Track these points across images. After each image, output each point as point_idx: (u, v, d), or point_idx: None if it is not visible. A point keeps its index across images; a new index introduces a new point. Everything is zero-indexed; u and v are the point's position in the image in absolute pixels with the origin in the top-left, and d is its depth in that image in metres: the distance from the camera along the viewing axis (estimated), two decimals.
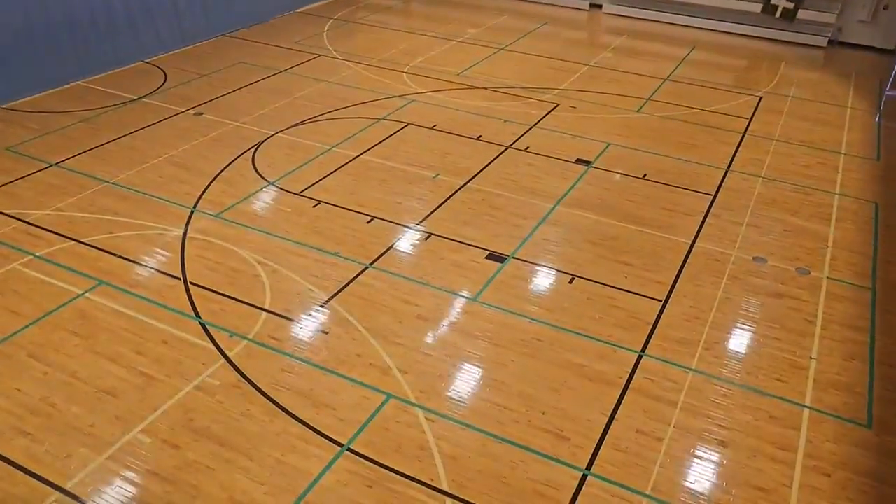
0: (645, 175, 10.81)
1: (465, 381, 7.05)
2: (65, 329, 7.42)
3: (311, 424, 6.43)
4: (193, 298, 7.93)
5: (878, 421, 6.74)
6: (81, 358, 7.08)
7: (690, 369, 7.24)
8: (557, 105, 13.09)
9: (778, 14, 17.46)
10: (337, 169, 10.60)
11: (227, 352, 7.20)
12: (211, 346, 7.28)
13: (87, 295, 7.90)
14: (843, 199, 10.46)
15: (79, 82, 13.12)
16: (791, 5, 17.26)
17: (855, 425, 6.68)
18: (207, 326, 7.52)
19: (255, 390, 6.77)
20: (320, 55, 15.15)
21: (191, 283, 8.16)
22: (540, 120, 12.45)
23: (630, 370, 7.19)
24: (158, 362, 7.05)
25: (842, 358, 7.47)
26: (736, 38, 17.90)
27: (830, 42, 17.45)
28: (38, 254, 8.52)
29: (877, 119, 13.42)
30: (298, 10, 18.18)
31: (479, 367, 7.22)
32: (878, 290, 8.52)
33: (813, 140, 12.27)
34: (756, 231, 9.57)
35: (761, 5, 17.61)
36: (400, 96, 13.17)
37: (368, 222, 9.38)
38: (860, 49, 17.38)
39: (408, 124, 12.05)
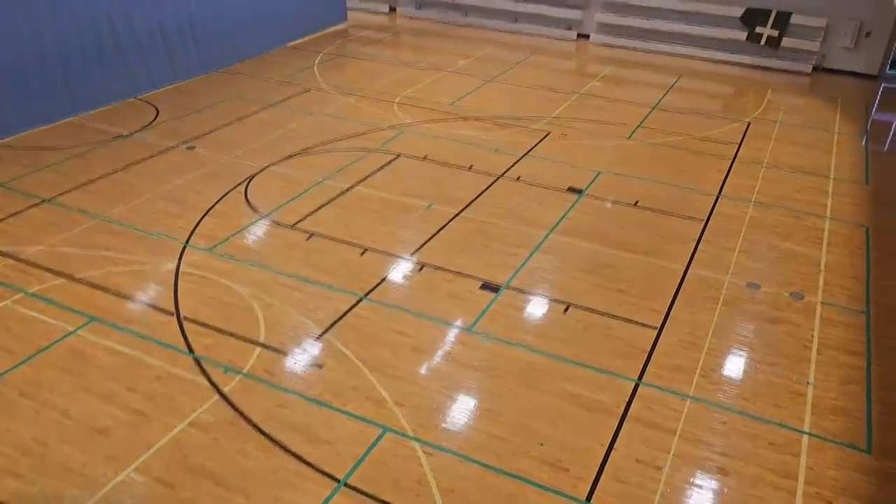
0: (637, 202, 10.86)
1: (462, 412, 6.99)
2: (57, 367, 7.34)
3: (308, 460, 6.35)
4: (187, 334, 7.87)
5: (878, 446, 6.70)
6: (74, 396, 7.00)
7: (688, 397, 7.21)
8: (548, 134, 13.18)
9: (763, 42, 17.72)
10: (330, 201, 10.61)
11: (221, 387, 7.13)
12: (205, 381, 7.21)
13: (79, 332, 7.83)
14: (834, 224, 10.53)
15: (71, 118, 13.15)
16: (776, 33, 17.53)
17: (854, 451, 6.65)
18: (201, 362, 7.46)
19: (250, 426, 6.70)
20: (311, 88, 15.25)
21: (184, 318, 8.10)
22: (531, 149, 12.52)
23: (627, 399, 7.15)
24: (152, 399, 6.98)
25: (839, 383, 7.46)
26: (722, 65, 18.14)
27: (815, 68, 17.70)
28: (30, 291, 8.46)
29: (863, 143, 13.57)
30: (289, 45, 18.33)
31: (475, 398, 7.17)
32: (873, 314, 8.54)
33: (802, 165, 12.38)
34: (749, 256, 9.61)
35: (746, 33, 17.87)
36: (391, 127, 13.25)
37: (362, 254, 9.36)
38: (844, 75, 17.63)
39: (399, 155, 12.10)
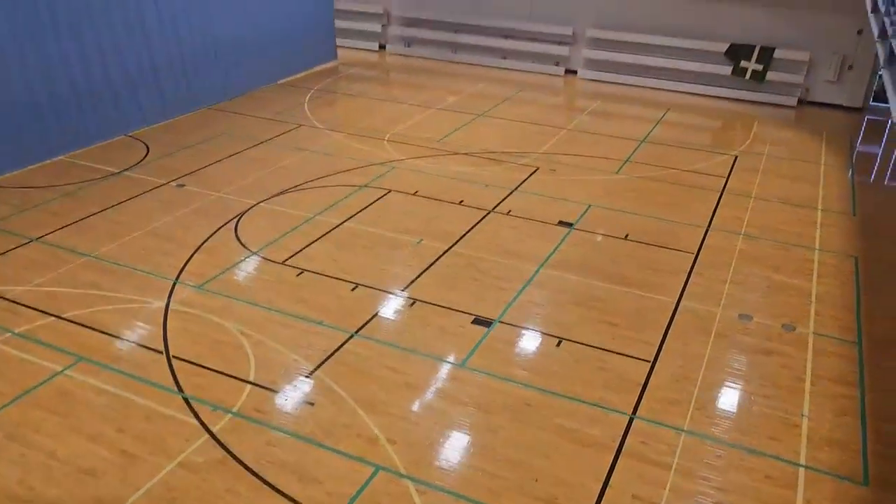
0: (627, 235, 10.90)
1: (455, 449, 6.91)
2: (44, 408, 7.23)
3: (299, 500, 6.24)
4: (176, 372, 7.78)
5: (875, 478, 6.65)
6: (61, 437, 6.88)
7: (683, 430, 7.15)
8: (537, 168, 13.27)
9: (748, 76, 17.99)
10: (320, 237, 10.60)
11: (210, 427, 7.03)
12: (194, 421, 7.11)
13: (66, 372, 7.73)
14: (824, 255, 10.58)
15: (62, 157, 13.15)
16: (760, 67, 17.81)
17: (851, 483, 6.59)
18: (190, 401, 7.36)
19: (240, 466, 6.59)
20: (302, 125, 15.34)
21: (173, 356, 8.02)
22: (521, 183, 12.59)
23: (622, 433, 7.09)
24: (140, 440, 6.87)
25: (833, 414, 7.42)
26: (709, 99, 18.39)
27: (800, 101, 17.96)
28: (16, 331, 8.37)
29: (850, 175, 13.72)
30: (279, 82, 18.48)
31: (468, 434, 7.09)
32: (865, 345, 8.54)
33: (790, 197, 12.49)
34: (740, 288, 9.62)
35: (731, 68, 18.15)
36: (381, 164, 13.31)
37: (353, 290, 9.33)
38: (829, 107, 17.89)
39: (390, 191, 12.14)
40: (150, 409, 7.23)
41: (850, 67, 17.44)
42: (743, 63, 17.96)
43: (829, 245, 10.86)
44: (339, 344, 8.27)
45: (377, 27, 22.23)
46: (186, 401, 7.36)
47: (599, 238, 10.87)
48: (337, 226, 10.95)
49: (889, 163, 14.90)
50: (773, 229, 11.27)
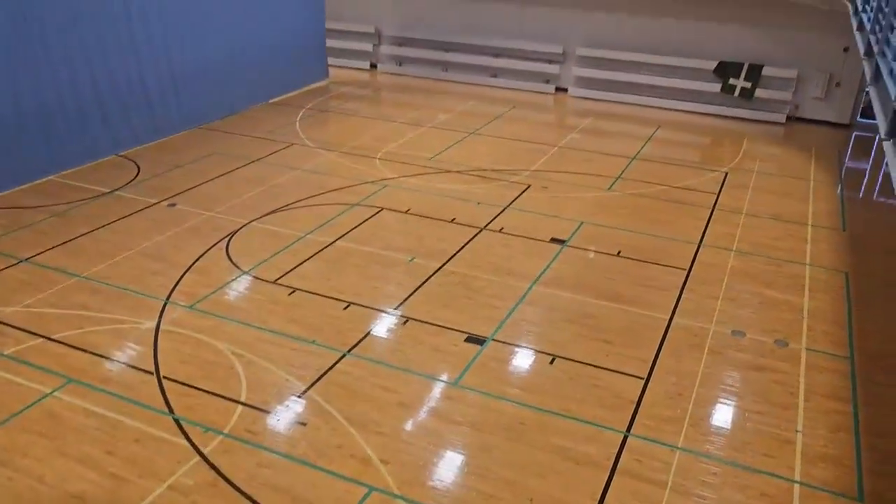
0: (619, 252, 10.92)
1: (449, 469, 6.85)
2: (32, 431, 7.14)
3: None
4: (167, 393, 7.70)
5: (870, 494, 6.63)
6: (49, 461, 6.79)
7: (677, 448, 7.12)
8: (529, 186, 13.29)
9: (737, 93, 18.13)
10: (312, 256, 10.57)
11: (202, 448, 6.95)
12: (185, 442, 7.03)
13: (55, 394, 7.64)
14: (815, 270, 10.62)
15: (52, 177, 13.09)
16: (749, 84, 17.96)
17: (846, 499, 6.57)
18: (181, 422, 7.29)
19: (231, 488, 6.51)
20: (293, 144, 15.34)
21: (164, 377, 7.94)
22: (513, 201, 12.61)
23: (616, 451, 7.05)
24: (130, 462, 6.78)
25: (828, 430, 7.41)
26: (699, 116, 18.51)
27: (789, 118, 18.10)
28: (5, 353, 8.28)
29: (839, 191, 13.80)
30: (271, 101, 18.50)
31: (462, 453, 7.03)
32: (857, 360, 8.55)
33: (780, 213, 12.55)
34: (732, 304, 9.63)
35: (720, 85, 18.30)
36: (373, 182, 13.31)
37: (345, 308, 9.29)
38: (817, 124, 18.03)
39: (382, 209, 12.13)
40: (140, 431, 7.15)
41: (838, 84, 17.61)
42: (732, 80, 18.12)
43: (819, 260, 10.90)
44: (332, 363, 8.22)
45: (368, 46, 22.33)
46: (177, 422, 7.29)
47: (592, 255, 10.88)
48: (329, 244, 10.92)
49: (877, 178, 15.01)
50: (765, 245, 11.31)
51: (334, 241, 10.99)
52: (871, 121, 16.69)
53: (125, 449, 6.95)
